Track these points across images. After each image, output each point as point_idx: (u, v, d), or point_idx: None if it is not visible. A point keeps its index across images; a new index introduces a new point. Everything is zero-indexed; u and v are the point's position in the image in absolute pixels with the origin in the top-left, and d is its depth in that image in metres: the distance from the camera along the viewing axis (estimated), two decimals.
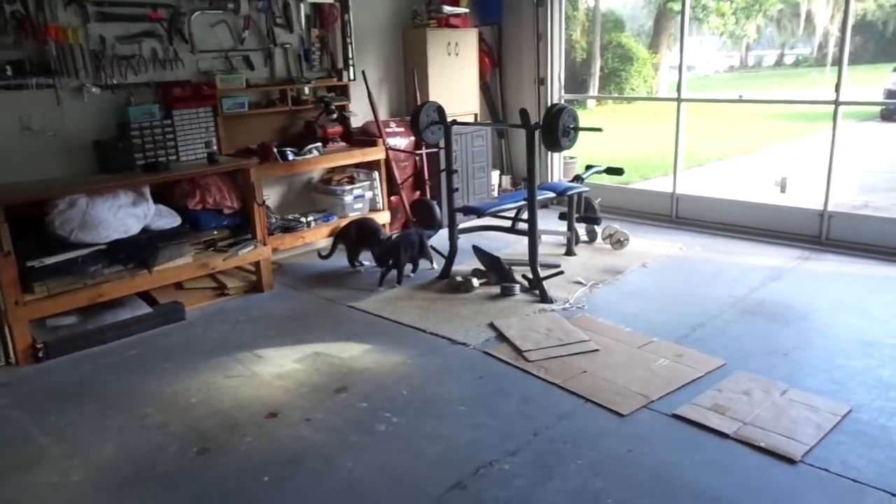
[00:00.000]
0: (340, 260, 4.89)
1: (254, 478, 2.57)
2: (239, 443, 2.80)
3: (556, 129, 4.05)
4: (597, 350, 3.48)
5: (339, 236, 4.92)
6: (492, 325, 3.85)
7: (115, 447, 2.80)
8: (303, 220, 5.03)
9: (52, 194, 3.75)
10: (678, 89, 5.79)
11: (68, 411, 3.10)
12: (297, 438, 2.82)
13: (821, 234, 5.17)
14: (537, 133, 4.15)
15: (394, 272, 4.51)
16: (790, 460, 2.54)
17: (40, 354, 3.61)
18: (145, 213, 4.07)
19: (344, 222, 5.05)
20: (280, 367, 3.47)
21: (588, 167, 5.47)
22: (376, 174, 5.40)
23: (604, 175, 5.51)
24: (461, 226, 4.85)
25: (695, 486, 2.43)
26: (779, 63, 26.64)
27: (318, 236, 5.18)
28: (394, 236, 4.70)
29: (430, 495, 2.43)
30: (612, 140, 11.02)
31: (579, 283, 4.48)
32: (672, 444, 2.69)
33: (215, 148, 4.52)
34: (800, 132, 12.62)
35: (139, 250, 3.97)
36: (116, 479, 2.59)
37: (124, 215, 3.94)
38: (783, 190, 7.46)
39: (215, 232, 4.39)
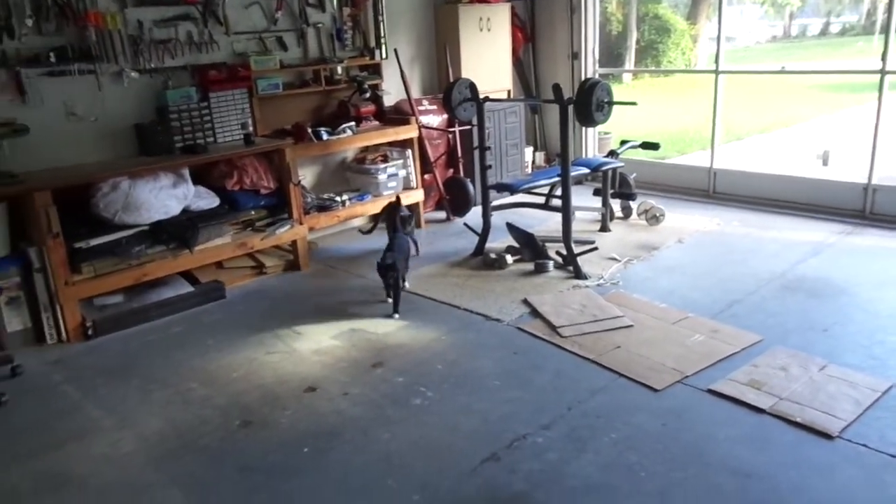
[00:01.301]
0: (376, 240, 4.93)
1: (295, 449, 2.65)
2: (280, 416, 2.88)
3: (589, 103, 4.02)
4: (631, 326, 3.48)
5: (381, 214, 4.94)
6: (525, 302, 3.87)
7: (162, 420, 2.92)
8: (338, 199, 5.08)
9: (96, 177, 3.86)
10: (716, 61, 5.67)
11: (117, 386, 3.23)
12: (336, 412, 2.89)
13: (864, 208, 5.04)
14: (571, 108, 4.12)
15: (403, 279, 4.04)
16: (827, 436, 2.52)
17: (89, 332, 3.76)
18: (185, 194, 4.17)
19: (384, 201, 5.10)
20: (318, 343, 3.55)
21: (623, 142, 5.41)
22: (409, 152, 5.42)
23: (639, 150, 5.45)
24: (494, 203, 4.86)
25: (729, 461, 2.43)
26: (824, 32, 25.70)
27: (352, 215, 5.24)
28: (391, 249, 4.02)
29: (465, 467, 2.48)
30: (648, 115, 10.83)
31: (614, 259, 4.46)
32: (707, 419, 2.69)
33: (251, 129, 4.59)
34: (844, 104, 12.23)
35: (180, 231, 4.08)
36: (164, 451, 2.70)
37: (165, 197, 4.05)
38: (825, 163, 7.27)
39: (253, 212, 4.48)
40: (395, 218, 4.42)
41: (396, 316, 3.80)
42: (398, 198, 4.82)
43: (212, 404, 3.01)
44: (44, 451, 2.74)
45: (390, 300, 3.92)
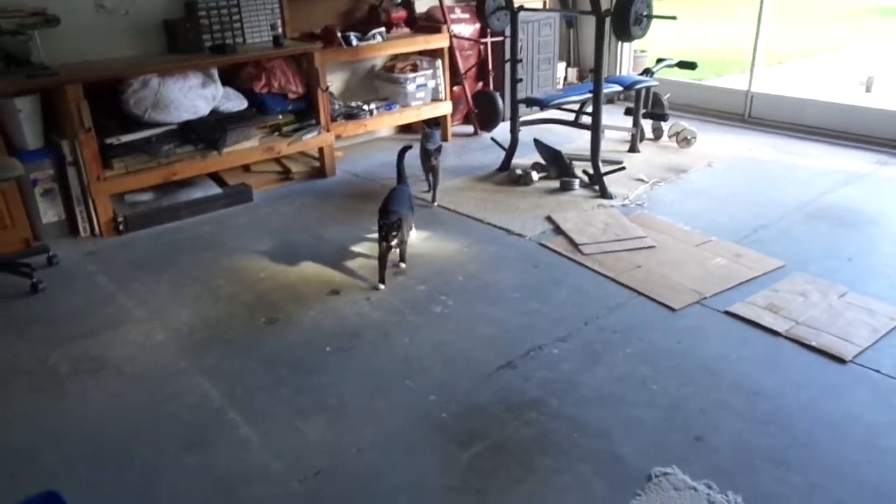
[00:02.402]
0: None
1: (318, 347, 2.75)
2: (304, 316, 2.98)
3: (627, 16, 3.88)
4: (653, 246, 3.49)
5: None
6: (549, 219, 3.88)
7: (192, 313, 3.03)
8: (365, 107, 5.04)
9: (127, 73, 3.86)
10: None
11: (148, 280, 3.34)
12: (358, 314, 2.98)
13: None
14: (608, 21, 3.99)
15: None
16: (840, 360, 2.55)
17: (121, 227, 3.85)
18: (214, 94, 4.16)
19: (412, 112, 5.09)
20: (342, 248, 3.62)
21: (659, 60, 5.24)
22: (439, 62, 5.31)
23: (675, 70, 5.28)
24: (523, 118, 4.79)
25: (740, 379, 2.49)
26: None
27: (380, 125, 5.20)
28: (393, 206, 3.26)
29: (482, 372, 2.57)
30: (688, 33, 10.42)
31: (641, 180, 4.41)
32: (721, 340, 2.74)
33: (280, 31, 4.51)
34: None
35: (209, 131, 4.10)
36: (194, 341, 2.82)
37: (194, 96, 4.04)
38: (868, 90, 6.99)
39: (280, 116, 4.47)
40: (402, 162, 3.72)
41: (382, 287, 3.18)
42: (424, 132, 4.34)
43: (239, 301, 3.12)
44: (81, 336, 2.87)
45: (402, 264, 3.34)
